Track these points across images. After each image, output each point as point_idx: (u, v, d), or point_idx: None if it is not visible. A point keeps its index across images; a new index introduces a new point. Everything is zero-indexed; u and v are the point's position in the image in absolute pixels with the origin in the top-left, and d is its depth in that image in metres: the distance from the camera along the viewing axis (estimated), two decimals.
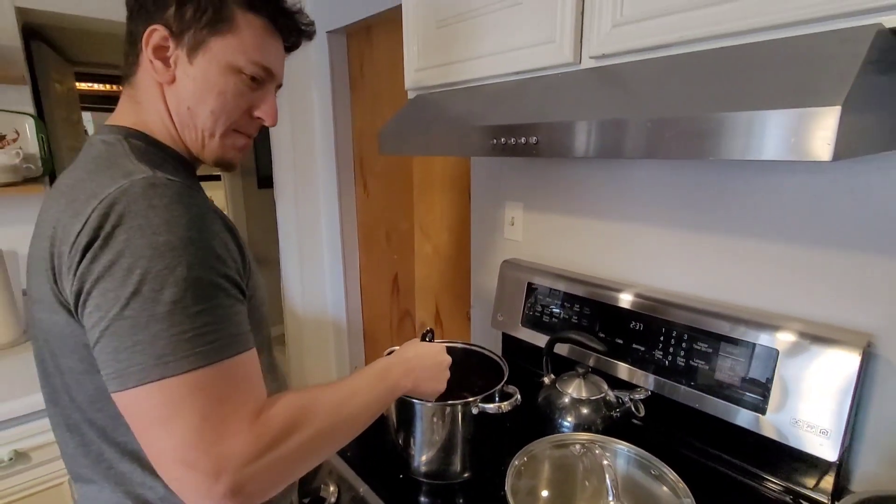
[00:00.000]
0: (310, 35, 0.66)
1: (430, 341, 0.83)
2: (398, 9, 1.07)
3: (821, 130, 0.41)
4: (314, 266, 2.17)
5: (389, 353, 0.75)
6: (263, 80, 0.61)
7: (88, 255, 0.44)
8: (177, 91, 0.57)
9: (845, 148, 0.43)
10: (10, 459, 1.13)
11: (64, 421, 0.56)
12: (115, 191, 0.45)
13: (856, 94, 0.42)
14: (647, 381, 0.96)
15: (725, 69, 0.55)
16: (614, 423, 0.93)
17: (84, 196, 0.47)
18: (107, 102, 4.22)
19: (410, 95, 1.09)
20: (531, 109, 0.72)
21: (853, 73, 0.42)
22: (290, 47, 0.65)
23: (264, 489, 0.46)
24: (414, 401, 0.83)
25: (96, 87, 3.84)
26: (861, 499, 0.65)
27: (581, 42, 0.74)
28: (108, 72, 3.37)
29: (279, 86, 0.66)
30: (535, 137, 0.66)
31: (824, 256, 0.81)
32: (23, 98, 1.54)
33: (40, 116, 1.64)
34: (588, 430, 0.91)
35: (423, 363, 0.71)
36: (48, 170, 1.59)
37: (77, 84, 2.79)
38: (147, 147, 0.56)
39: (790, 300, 0.85)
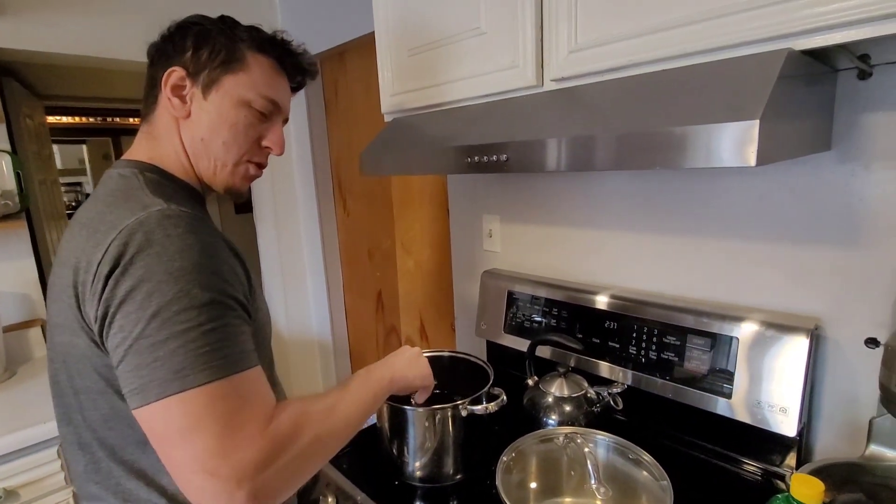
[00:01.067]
0: (313, 74, 0.73)
1: None
2: (370, 35, 1.14)
3: (745, 140, 0.49)
4: (297, 287, 2.19)
5: None
6: (271, 113, 0.67)
7: (111, 282, 0.48)
8: (192, 125, 0.62)
9: (766, 154, 0.50)
10: (0, 497, 1.12)
11: (76, 440, 0.58)
12: (133, 222, 0.49)
13: (771, 109, 0.49)
14: (624, 376, 1.02)
15: (666, 89, 0.62)
16: (596, 418, 0.98)
17: (104, 227, 0.51)
18: (76, 134, 4.17)
19: (387, 119, 1.15)
20: (500, 129, 0.78)
21: (768, 91, 0.49)
22: (296, 87, 0.72)
23: (279, 492, 0.49)
24: (406, 407, 0.87)
25: (65, 119, 3.80)
26: (815, 467, 0.72)
27: (542, 66, 0.81)
28: (78, 104, 3.36)
29: (286, 119, 0.72)
30: (504, 155, 0.72)
31: (773, 250, 0.89)
32: None
33: (13, 152, 1.64)
34: (571, 425, 0.96)
35: (398, 358, 0.78)
36: (25, 206, 1.58)
37: (47, 118, 2.77)
38: (161, 180, 0.61)
39: (746, 292, 0.93)
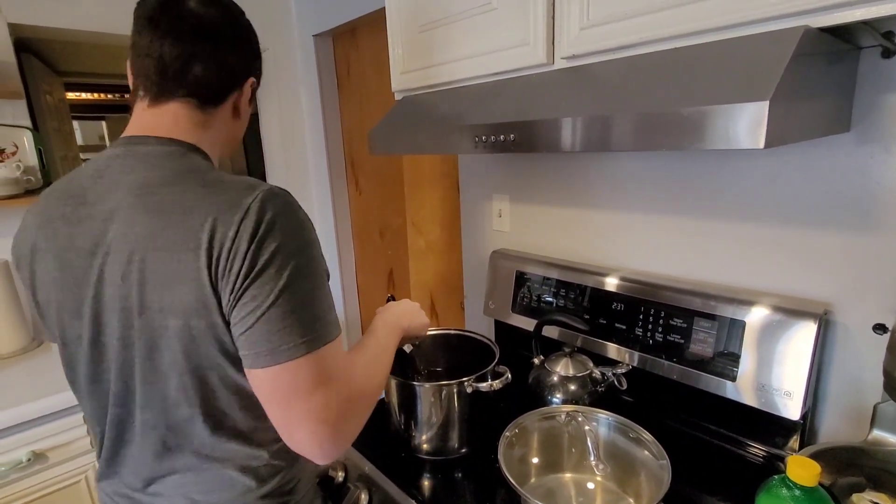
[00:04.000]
0: None
1: None
2: (381, 10, 1.12)
3: (754, 122, 0.48)
4: None
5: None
6: None
7: (252, 249, 0.52)
8: (238, 124, 0.70)
9: (777, 136, 0.49)
10: (29, 460, 1.18)
11: (163, 420, 0.60)
12: (259, 196, 0.54)
13: (783, 90, 0.48)
14: (630, 357, 1.03)
15: (677, 68, 0.61)
16: (600, 397, 1.00)
17: (225, 204, 0.53)
18: (95, 111, 4.23)
19: (397, 97, 1.14)
20: (509, 109, 0.77)
21: (780, 71, 0.48)
22: None
23: (355, 434, 0.59)
24: (414, 383, 0.90)
25: (84, 96, 3.85)
26: (815, 450, 0.72)
27: (553, 44, 0.80)
28: (97, 81, 3.39)
29: None
30: (512, 135, 0.72)
31: (783, 233, 0.87)
32: (19, 112, 1.57)
33: (35, 128, 1.68)
34: (576, 404, 0.97)
35: (406, 309, 0.87)
36: (47, 181, 1.63)
37: (67, 94, 2.81)
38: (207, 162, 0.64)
39: (755, 275, 0.92)
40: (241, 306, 0.53)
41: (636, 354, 1.02)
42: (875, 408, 0.72)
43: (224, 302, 0.53)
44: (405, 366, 1.01)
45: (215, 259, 0.52)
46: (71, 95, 3.43)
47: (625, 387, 1.00)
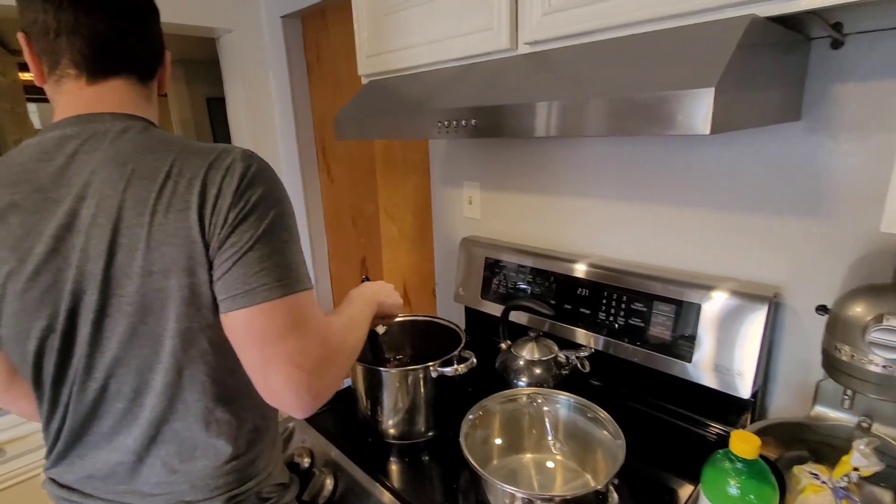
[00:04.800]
0: None
1: None
2: None
3: (700, 108, 0.49)
4: None
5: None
6: None
7: (237, 197, 0.54)
8: (159, 101, 0.69)
9: (723, 122, 0.51)
10: None
11: (149, 388, 0.59)
12: (240, 152, 0.57)
13: (729, 77, 0.49)
14: (595, 341, 1.05)
15: (633, 55, 0.62)
16: (565, 380, 1.02)
17: (202, 160, 0.55)
18: None
19: (364, 81, 1.13)
20: (472, 94, 0.77)
21: (726, 59, 0.49)
22: None
23: (331, 390, 0.59)
24: (380, 369, 0.90)
25: None
26: (762, 426, 0.76)
27: (517, 29, 0.80)
28: None
29: None
30: (474, 120, 0.72)
31: (741, 219, 0.90)
32: None
33: None
34: (541, 387, 0.99)
35: (380, 287, 0.89)
36: None
37: (21, 75, 2.68)
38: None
39: (712, 260, 0.95)
40: (221, 253, 0.54)
41: (601, 338, 1.04)
42: (817, 385, 0.76)
43: (212, 257, 0.55)
44: (374, 352, 1.02)
45: (205, 217, 0.54)
46: (26, 76, 3.26)
47: (587, 369, 1.02)
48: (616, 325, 1.02)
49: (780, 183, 0.84)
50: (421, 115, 0.80)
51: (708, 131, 0.50)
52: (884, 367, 0.57)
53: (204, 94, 4.17)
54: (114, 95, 0.60)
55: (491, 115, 0.70)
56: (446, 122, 0.75)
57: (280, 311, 0.54)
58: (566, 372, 1.02)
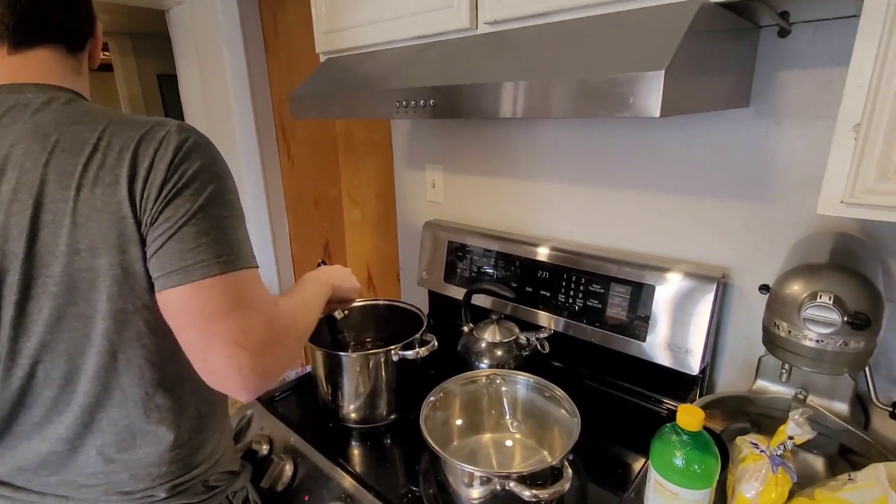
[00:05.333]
0: None
1: None
2: None
3: (650, 91, 0.49)
4: None
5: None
6: None
7: (171, 171, 0.52)
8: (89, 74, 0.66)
9: (673, 106, 0.51)
10: None
11: (78, 373, 0.56)
12: (175, 125, 0.54)
13: (679, 61, 0.50)
14: (555, 322, 1.07)
15: (588, 37, 0.62)
16: (525, 361, 1.04)
17: (136, 134, 0.52)
18: None
19: (322, 59, 1.09)
20: (431, 73, 0.76)
21: (676, 43, 0.50)
22: None
23: (278, 372, 0.57)
24: (340, 353, 0.89)
25: None
26: (708, 400, 0.80)
27: (476, 8, 0.78)
28: None
29: None
30: (432, 100, 0.71)
31: (692, 203, 0.93)
32: None
33: None
34: (502, 368, 1.01)
35: (336, 271, 0.89)
36: None
37: None
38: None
39: (667, 243, 0.98)
40: (154, 229, 0.52)
41: (561, 320, 1.06)
42: (759, 360, 0.80)
43: (145, 233, 0.52)
44: (333, 337, 1.00)
45: (136, 191, 0.51)
46: None
47: (547, 350, 1.04)
48: (575, 307, 1.04)
49: (729, 168, 0.87)
50: (379, 94, 0.78)
51: (658, 114, 0.50)
52: (817, 341, 0.60)
53: (154, 70, 3.95)
54: (38, 65, 0.57)
55: (449, 95, 0.69)
56: (405, 102, 0.74)
57: (219, 288, 0.52)
58: (527, 353, 1.04)
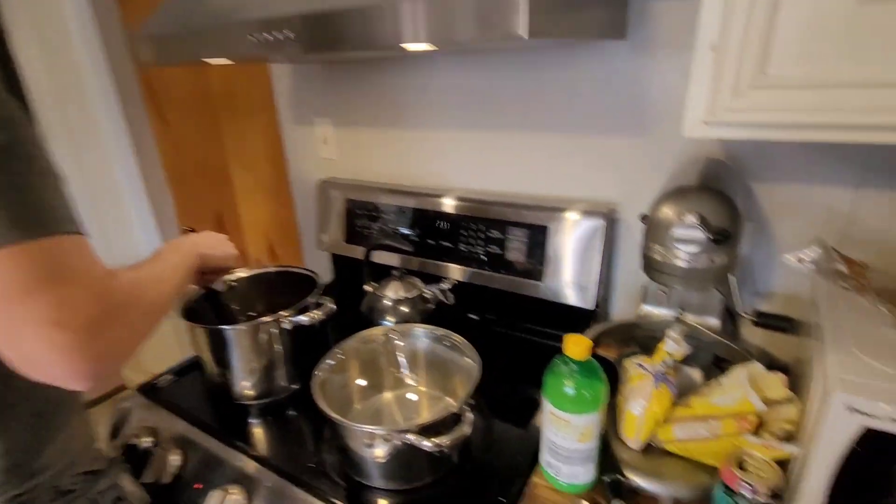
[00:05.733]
0: None
1: None
2: None
3: (516, 10, 0.46)
4: (117, 217, 1.87)
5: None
6: None
7: None
8: None
9: (540, 27, 0.48)
10: None
11: None
12: None
13: None
14: (461, 273, 1.06)
15: None
16: (432, 315, 1.02)
17: None
18: None
19: None
20: (285, 0, 0.67)
21: None
22: None
23: (121, 354, 0.50)
24: (224, 328, 0.81)
25: None
26: (599, 330, 0.83)
27: None
28: None
29: None
30: (292, 33, 0.62)
31: (580, 141, 0.94)
32: None
33: None
34: (408, 324, 0.98)
35: (202, 237, 0.80)
36: None
37: None
38: None
39: (555, 183, 0.99)
40: None
41: (467, 270, 1.05)
42: (643, 287, 0.85)
43: None
44: (218, 312, 0.91)
45: None
46: None
47: (452, 302, 1.03)
48: (478, 255, 1.03)
49: (611, 104, 0.88)
50: (229, 27, 0.67)
51: (527, 35, 0.47)
52: (686, 261, 0.63)
53: None
54: None
55: (308, 24, 0.60)
56: (259, 36, 0.64)
57: (21, 259, 0.43)
58: (433, 306, 1.02)
